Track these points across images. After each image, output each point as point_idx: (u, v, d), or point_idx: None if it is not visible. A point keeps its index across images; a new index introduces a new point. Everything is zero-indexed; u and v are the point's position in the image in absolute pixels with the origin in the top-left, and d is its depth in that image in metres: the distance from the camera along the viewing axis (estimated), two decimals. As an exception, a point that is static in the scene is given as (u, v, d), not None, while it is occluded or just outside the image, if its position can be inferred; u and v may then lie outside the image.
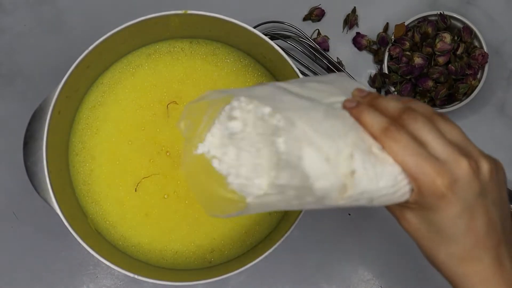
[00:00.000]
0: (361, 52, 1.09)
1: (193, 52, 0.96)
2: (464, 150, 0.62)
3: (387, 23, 1.08)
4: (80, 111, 0.95)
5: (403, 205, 0.65)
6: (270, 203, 0.60)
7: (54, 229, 1.04)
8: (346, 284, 1.07)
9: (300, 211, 0.87)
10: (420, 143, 0.62)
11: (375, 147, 0.62)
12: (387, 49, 1.06)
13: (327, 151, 0.60)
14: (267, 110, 0.59)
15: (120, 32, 0.87)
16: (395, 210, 0.66)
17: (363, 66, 1.09)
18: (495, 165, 0.64)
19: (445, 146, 0.61)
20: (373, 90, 0.70)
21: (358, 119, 0.64)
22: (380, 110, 0.65)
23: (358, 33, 1.08)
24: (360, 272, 1.07)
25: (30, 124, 0.87)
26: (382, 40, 1.07)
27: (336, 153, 0.61)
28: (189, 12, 0.88)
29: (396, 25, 1.06)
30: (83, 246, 0.85)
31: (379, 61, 1.08)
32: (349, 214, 1.07)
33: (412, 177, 0.62)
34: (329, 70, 1.05)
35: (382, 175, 0.62)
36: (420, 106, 0.65)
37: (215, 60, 0.96)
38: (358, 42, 1.08)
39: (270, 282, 1.06)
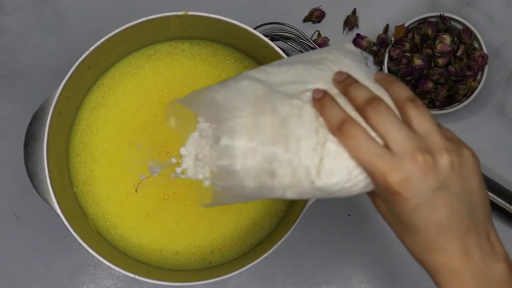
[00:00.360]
0: (361, 53, 1.09)
1: (193, 53, 0.96)
2: (426, 142, 0.62)
3: (387, 25, 1.09)
4: (80, 111, 0.95)
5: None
6: (234, 193, 0.67)
7: (55, 230, 1.04)
8: (346, 285, 1.07)
9: (300, 213, 0.87)
10: (382, 136, 0.62)
11: (332, 142, 0.63)
12: (387, 50, 1.06)
13: (267, 149, 0.63)
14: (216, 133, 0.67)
15: (121, 33, 0.87)
16: (369, 193, 0.67)
17: (363, 67, 1.09)
18: (459, 157, 0.63)
19: (404, 140, 0.61)
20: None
21: (319, 112, 0.64)
22: (350, 98, 0.65)
23: (358, 35, 1.08)
24: (360, 273, 1.07)
25: (30, 125, 0.87)
26: (382, 41, 1.07)
27: (285, 150, 0.63)
28: (189, 13, 0.88)
29: (396, 27, 1.06)
30: (83, 247, 0.86)
31: (379, 62, 1.08)
32: (349, 215, 1.08)
33: (367, 173, 0.62)
34: (329, 71, 1.05)
35: (334, 170, 0.63)
36: (397, 89, 0.65)
37: (215, 61, 0.96)
38: (358, 43, 1.08)
39: (270, 283, 1.06)
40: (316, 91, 0.65)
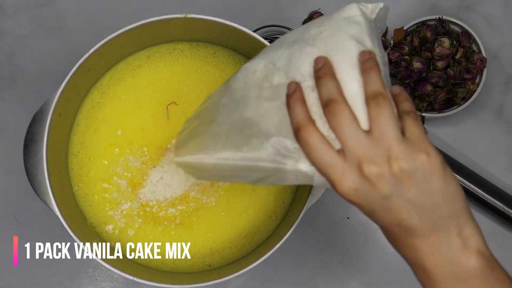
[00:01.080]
0: (360, 56, 1.09)
1: (193, 54, 0.96)
2: (378, 150, 0.61)
3: (386, 28, 1.09)
4: (79, 112, 0.95)
5: None
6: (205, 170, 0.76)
7: (54, 231, 1.04)
8: (345, 288, 1.07)
9: (299, 216, 0.87)
10: (339, 140, 0.62)
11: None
12: (386, 53, 1.06)
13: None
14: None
15: (121, 36, 0.87)
16: None
17: (362, 70, 1.09)
18: (412, 163, 0.61)
19: (355, 149, 0.61)
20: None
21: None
22: (318, 94, 0.64)
23: (357, 37, 1.08)
24: (358, 276, 1.07)
25: (30, 126, 0.87)
26: (381, 44, 1.07)
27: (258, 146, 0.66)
28: (189, 16, 0.88)
29: (395, 30, 1.06)
30: (82, 249, 0.86)
31: (378, 65, 1.08)
32: (348, 218, 1.08)
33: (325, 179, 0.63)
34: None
35: (300, 171, 0.64)
36: (371, 84, 0.63)
37: (215, 62, 0.96)
38: (357, 46, 1.08)
39: (269, 285, 1.06)
40: (289, 86, 0.65)
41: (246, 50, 0.95)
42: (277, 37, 1.04)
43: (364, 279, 1.07)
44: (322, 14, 1.08)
